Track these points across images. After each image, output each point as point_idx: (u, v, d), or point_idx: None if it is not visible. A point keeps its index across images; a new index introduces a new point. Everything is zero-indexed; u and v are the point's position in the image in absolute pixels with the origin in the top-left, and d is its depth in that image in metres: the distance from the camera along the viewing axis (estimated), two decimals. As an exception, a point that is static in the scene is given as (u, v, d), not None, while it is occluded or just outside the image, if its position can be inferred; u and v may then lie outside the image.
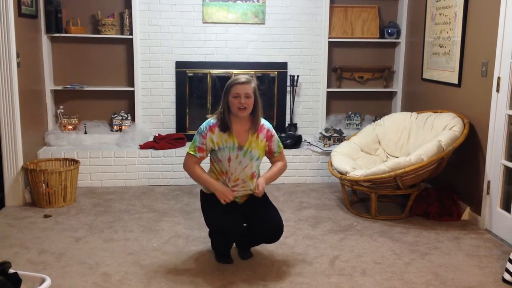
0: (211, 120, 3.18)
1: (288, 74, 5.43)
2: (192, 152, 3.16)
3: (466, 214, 4.12)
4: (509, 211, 3.65)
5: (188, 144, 5.15)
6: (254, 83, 3.13)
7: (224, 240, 3.18)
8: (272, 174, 3.25)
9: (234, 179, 3.16)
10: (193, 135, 5.02)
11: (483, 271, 3.19)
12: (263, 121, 3.23)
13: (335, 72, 5.56)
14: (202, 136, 3.14)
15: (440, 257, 3.39)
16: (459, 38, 4.28)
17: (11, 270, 2.47)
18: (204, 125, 3.17)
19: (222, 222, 3.06)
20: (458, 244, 3.62)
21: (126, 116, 5.30)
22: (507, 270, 3.03)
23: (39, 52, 4.89)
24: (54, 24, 4.90)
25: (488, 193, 3.85)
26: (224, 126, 3.12)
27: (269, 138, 3.22)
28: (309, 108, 5.56)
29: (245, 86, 3.07)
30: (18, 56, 4.21)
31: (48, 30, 4.93)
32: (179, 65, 5.29)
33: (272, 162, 3.31)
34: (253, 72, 5.36)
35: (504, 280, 3.04)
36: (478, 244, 3.62)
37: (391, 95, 5.71)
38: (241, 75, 3.17)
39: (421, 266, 3.25)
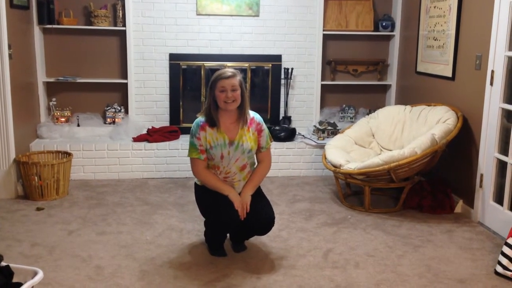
0: (200, 119, 3.15)
1: (282, 66, 5.42)
2: (196, 156, 3.11)
3: (459, 207, 4.14)
4: (501, 204, 3.67)
5: (182, 137, 5.14)
6: (239, 76, 3.10)
7: (221, 230, 3.19)
8: (258, 182, 3.21)
9: (226, 172, 3.15)
10: (187, 127, 5.08)
11: (476, 264, 3.21)
12: (253, 114, 3.21)
13: (329, 65, 5.55)
14: (197, 138, 3.11)
15: (433, 250, 3.41)
16: (453, 31, 4.27)
17: (3, 263, 2.45)
18: (195, 127, 3.13)
19: (219, 212, 3.05)
20: (451, 237, 3.63)
21: (119, 108, 5.27)
22: (500, 263, 3.05)
23: (31, 44, 4.85)
24: (46, 16, 4.86)
25: (481, 186, 3.87)
26: (212, 121, 3.10)
27: (259, 131, 3.20)
28: (303, 101, 5.55)
29: (231, 80, 3.04)
30: (9, 48, 4.17)
31: (40, 22, 4.88)
32: (173, 57, 5.26)
33: (257, 159, 3.28)
34: (247, 65, 5.34)
35: (497, 273, 3.05)
36: (470, 237, 3.64)
37: (385, 88, 5.71)
38: (226, 69, 3.13)
39: (414, 259, 3.26)
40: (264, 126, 3.24)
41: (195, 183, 3.31)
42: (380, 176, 4.00)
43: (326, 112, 5.59)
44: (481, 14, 3.89)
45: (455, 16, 4.24)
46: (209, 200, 3.16)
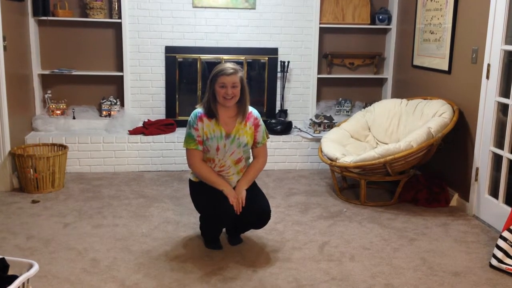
0: (198, 110, 3.15)
1: (279, 60, 5.40)
2: (194, 147, 3.10)
3: (455, 200, 4.15)
4: (497, 198, 3.68)
5: (178, 130, 5.13)
6: (241, 73, 3.09)
7: (217, 225, 3.18)
8: (253, 177, 3.20)
9: (220, 165, 3.15)
10: (183, 120, 5.07)
11: (471, 257, 3.22)
12: (251, 109, 3.21)
13: (326, 58, 5.54)
14: (195, 129, 3.10)
15: (428, 243, 3.42)
16: (450, 25, 4.27)
17: (-2, 256, 2.45)
18: (192, 117, 3.13)
19: (215, 207, 3.05)
20: (446, 230, 3.65)
21: (115, 101, 5.25)
22: (494, 256, 3.06)
23: (26, 36, 4.81)
24: (41, 7, 4.82)
25: (476, 179, 3.88)
26: (211, 113, 3.10)
27: (256, 126, 3.20)
28: (299, 94, 5.55)
29: (232, 77, 3.03)
30: (4, 40, 4.14)
31: (35, 13, 4.84)
32: (169, 50, 5.24)
33: (253, 154, 3.29)
34: (243, 58, 5.33)
35: (491, 266, 3.07)
36: (465, 230, 3.66)
37: (382, 81, 5.71)
38: (228, 64, 3.11)
39: (409, 252, 3.27)
40: (261, 122, 3.24)
41: (190, 179, 3.30)
42: (376, 169, 4.01)
43: (322, 106, 5.59)
44: (477, 8, 3.88)
45: (451, 10, 4.24)
46: (204, 196, 3.16)
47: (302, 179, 4.81)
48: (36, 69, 5.00)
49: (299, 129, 5.31)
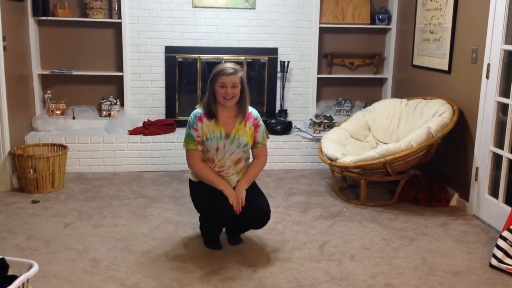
0: (198, 110, 3.16)
1: (279, 59, 5.40)
2: (193, 147, 3.11)
3: (455, 200, 4.15)
4: (497, 198, 3.68)
5: (178, 130, 5.13)
6: (241, 73, 3.10)
7: (217, 224, 3.19)
8: (253, 177, 3.21)
9: (220, 165, 3.15)
10: (183, 120, 5.06)
11: (471, 257, 3.22)
12: (251, 109, 3.21)
13: (326, 58, 5.54)
14: (194, 129, 3.11)
15: (428, 243, 3.42)
16: (449, 25, 4.27)
17: (-2, 256, 2.45)
18: (192, 118, 3.14)
19: (214, 207, 3.05)
20: (446, 229, 3.65)
21: (115, 101, 5.25)
22: (494, 256, 3.06)
23: (26, 36, 4.81)
24: (41, 7, 4.82)
25: (476, 179, 3.88)
26: (210, 114, 3.10)
27: (256, 126, 3.20)
28: (299, 94, 5.54)
29: (232, 77, 3.04)
30: (4, 40, 4.14)
31: (35, 13, 4.84)
32: (169, 50, 5.24)
33: (253, 154, 3.29)
34: (243, 58, 5.32)
35: (491, 266, 3.07)
36: (466, 230, 3.65)
37: (382, 81, 5.71)
38: (228, 64, 3.12)
39: (409, 252, 3.27)
40: (261, 122, 3.24)
41: (190, 179, 3.30)
42: (376, 169, 4.00)
43: (322, 106, 5.59)
44: (477, 7, 3.88)
45: (451, 9, 4.24)
46: (204, 196, 3.16)
47: (302, 179, 4.80)
48: (36, 69, 5.00)
49: (299, 129, 5.31)
